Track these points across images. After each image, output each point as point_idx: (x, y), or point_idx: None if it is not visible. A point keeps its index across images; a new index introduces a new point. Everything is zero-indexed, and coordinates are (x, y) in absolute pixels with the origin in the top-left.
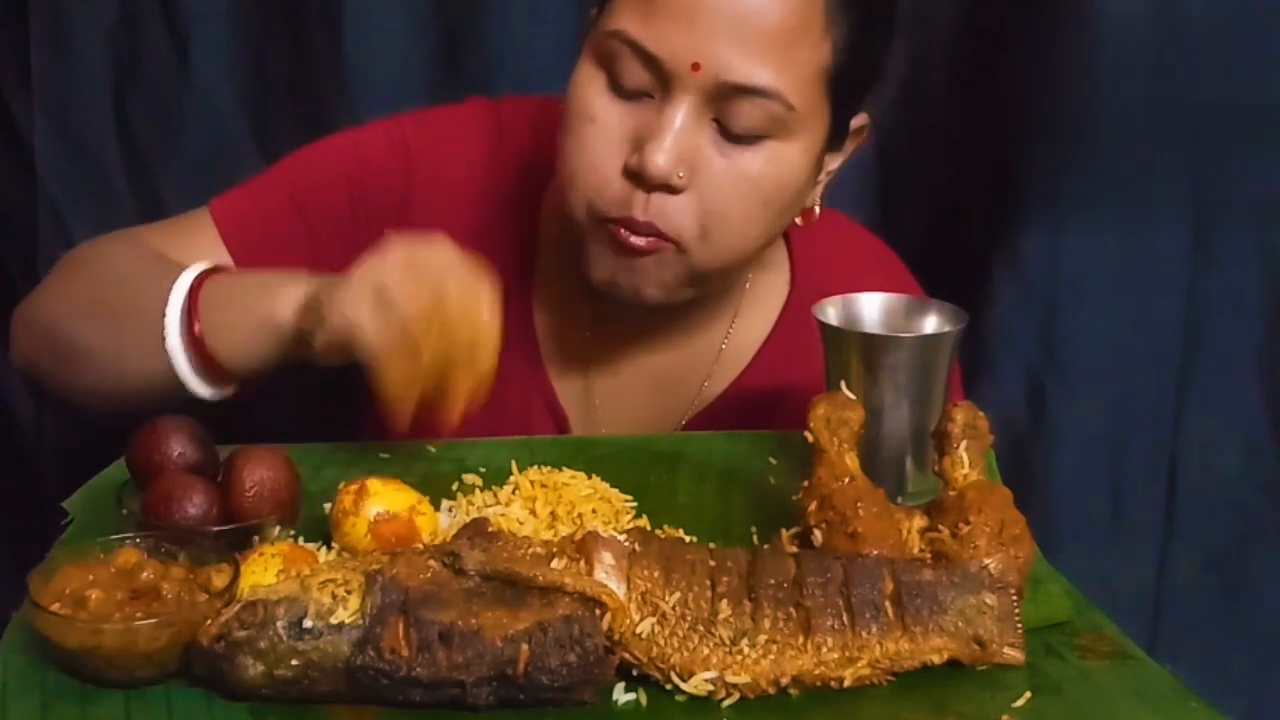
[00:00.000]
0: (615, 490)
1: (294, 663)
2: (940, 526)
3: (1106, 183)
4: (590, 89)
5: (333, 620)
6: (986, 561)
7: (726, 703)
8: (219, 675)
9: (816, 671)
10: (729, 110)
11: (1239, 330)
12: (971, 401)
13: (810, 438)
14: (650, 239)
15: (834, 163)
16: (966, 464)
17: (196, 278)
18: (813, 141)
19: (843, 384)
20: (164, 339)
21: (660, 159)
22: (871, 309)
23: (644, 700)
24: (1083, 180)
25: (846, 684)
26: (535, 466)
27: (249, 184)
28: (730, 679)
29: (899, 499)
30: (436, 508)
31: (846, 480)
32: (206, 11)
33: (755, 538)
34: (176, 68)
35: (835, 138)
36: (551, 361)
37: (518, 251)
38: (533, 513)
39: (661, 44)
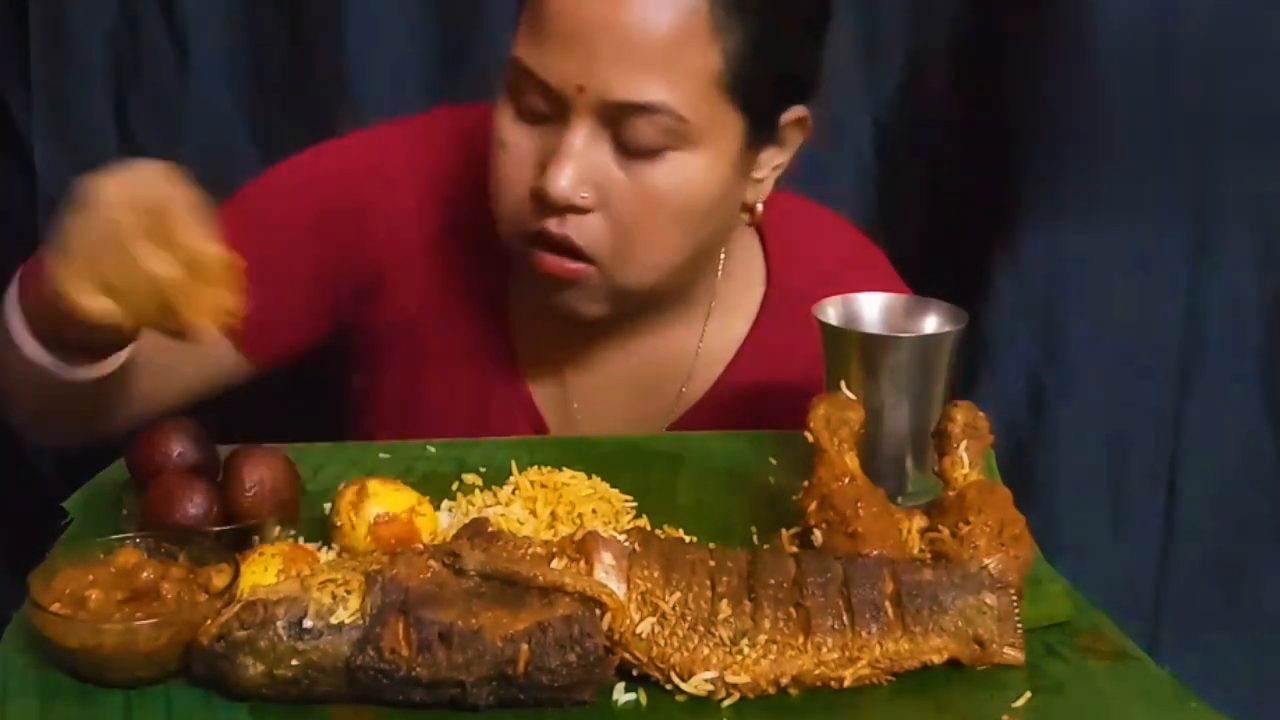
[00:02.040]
0: (615, 490)
1: (294, 663)
2: (940, 526)
3: (1106, 183)
4: (502, 117)
5: (333, 620)
6: (986, 561)
7: (726, 703)
8: (219, 675)
9: (816, 671)
10: (624, 128)
11: (1239, 330)
12: (971, 401)
13: (810, 438)
14: (570, 266)
15: (777, 158)
16: (966, 464)
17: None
18: (723, 147)
19: (843, 384)
20: (11, 332)
21: (560, 181)
22: (871, 309)
23: (644, 700)
24: (1083, 180)
25: (846, 684)
26: (535, 466)
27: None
28: (730, 679)
29: (899, 499)
30: (436, 508)
31: (846, 480)
32: (206, 11)
33: (755, 538)
34: (176, 68)
35: (757, 138)
36: (529, 372)
37: (493, 261)
38: (533, 513)
39: (549, 69)
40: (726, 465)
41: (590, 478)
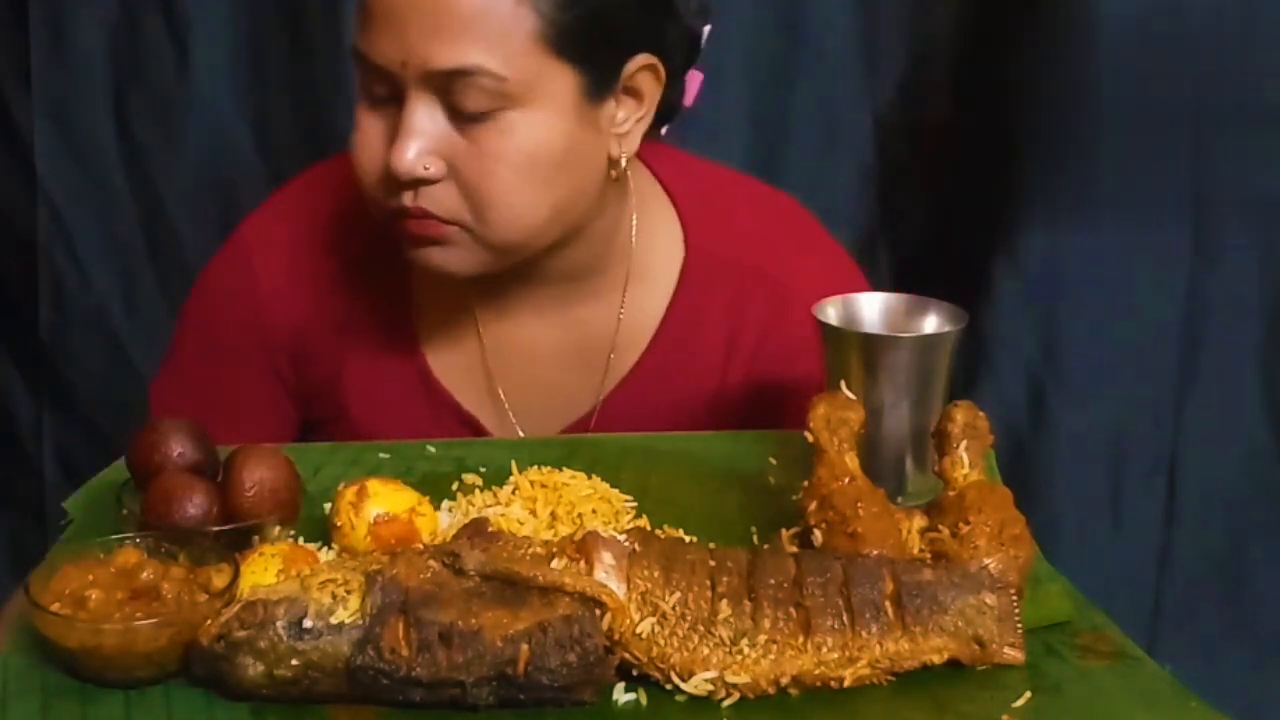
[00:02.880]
0: (615, 490)
1: (294, 663)
2: (940, 526)
3: (1106, 183)
4: (358, 107)
5: (333, 620)
6: (986, 561)
7: (726, 703)
8: (219, 675)
9: (816, 671)
10: (453, 95)
11: (1239, 330)
12: (971, 401)
13: (810, 437)
14: (432, 225)
15: (636, 111)
16: (966, 464)
17: None
18: (557, 102)
19: (843, 384)
20: None
21: (403, 156)
22: (871, 309)
23: (644, 700)
24: (1083, 180)
25: (846, 684)
26: (535, 466)
27: (167, 360)
28: (730, 679)
29: (899, 499)
30: (436, 508)
31: (846, 480)
32: (206, 11)
33: (755, 538)
34: (176, 68)
35: (599, 90)
36: (446, 376)
37: (394, 278)
38: (533, 513)
39: (376, 52)
40: (726, 465)
41: (590, 478)
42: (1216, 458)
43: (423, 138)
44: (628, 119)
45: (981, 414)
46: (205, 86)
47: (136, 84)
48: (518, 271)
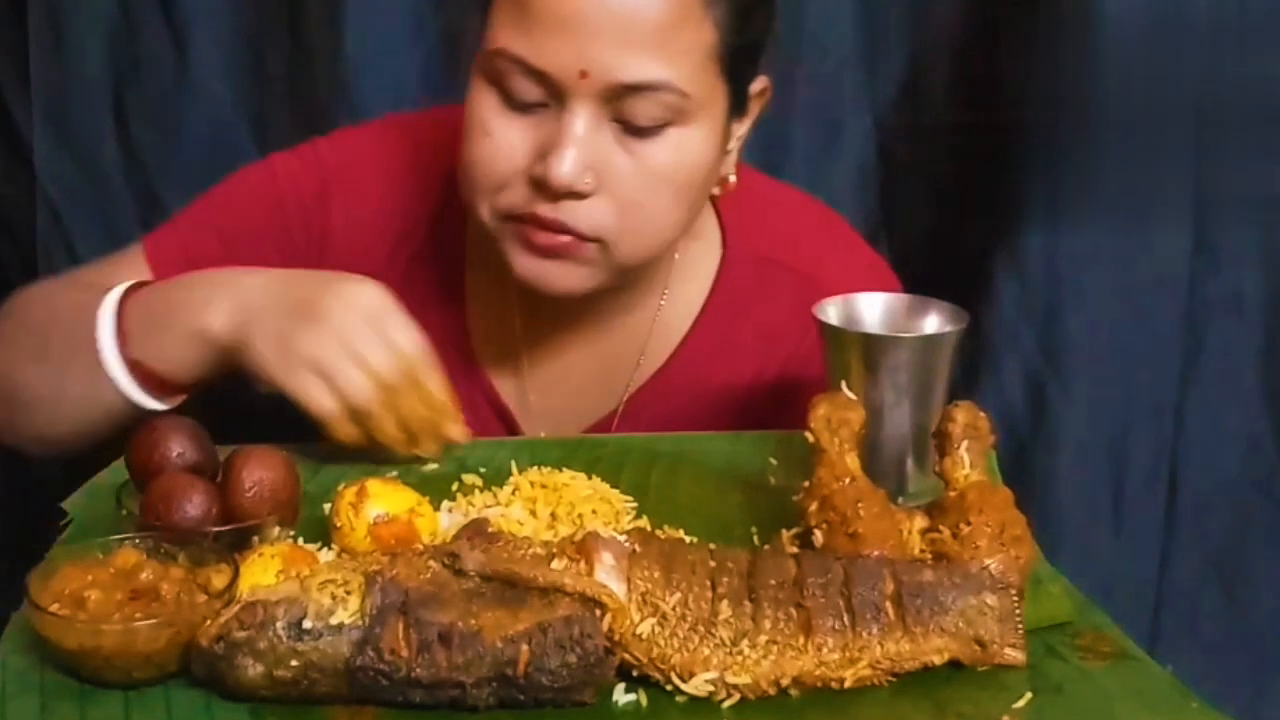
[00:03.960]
0: (615, 491)
1: (294, 663)
2: (941, 527)
3: (1107, 182)
4: (484, 107)
5: (332, 621)
6: (987, 562)
7: (727, 703)
8: (218, 676)
9: (817, 672)
10: (625, 108)
11: (1239, 330)
12: (972, 401)
13: (811, 438)
14: (566, 239)
15: (741, 129)
16: (967, 464)
17: (122, 295)
18: (714, 119)
19: (843, 384)
20: (100, 363)
21: (563, 168)
22: (872, 309)
23: (644, 701)
24: (1083, 180)
25: (847, 685)
26: (535, 467)
27: (177, 219)
28: (730, 679)
29: (900, 499)
30: (436, 508)
31: (847, 481)
32: (206, 11)
33: (755, 538)
34: (176, 68)
35: (736, 108)
36: (487, 362)
37: (448, 258)
38: (533, 513)
39: (545, 57)
40: (726, 465)
41: (590, 478)
42: (1217, 458)
43: (584, 149)
44: (735, 137)
45: (982, 414)
46: (205, 86)
47: (136, 84)
48: None
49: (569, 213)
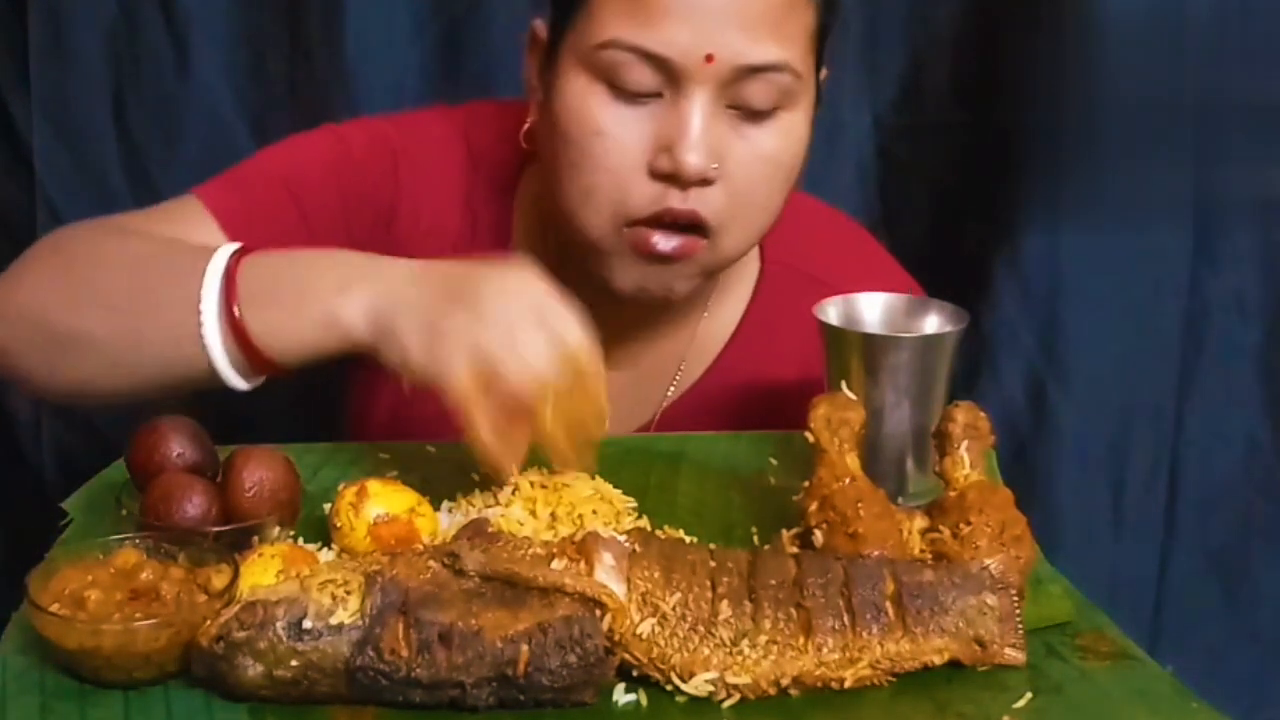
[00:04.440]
0: (616, 491)
1: (294, 663)
2: (941, 527)
3: (1107, 183)
4: (591, 103)
5: (332, 621)
6: (987, 562)
7: (727, 703)
8: (218, 676)
9: (817, 672)
10: (743, 92)
11: (1239, 330)
12: (972, 401)
13: (811, 438)
14: (681, 243)
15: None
16: (967, 464)
17: (231, 257)
18: (810, 104)
19: (843, 384)
20: (199, 324)
21: (693, 157)
22: (872, 309)
23: (644, 701)
24: (1083, 180)
25: (847, 685)
26: (535, 467)
27: (231, 174)
28: (730, 680)
29: (900, 499)
30: (436, 508)
31: (847, 481)
32: (206, 11)
33: (755, 538)
34: (176, 68)
35: (820, 95)
36: None
37: (495, 254)
38: (533, 513)
39: (666, 44)
40: (726, 465)
41: (591, 478)
42: (1217, 458)
43: (709, 134)
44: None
45: (982, 414)
46: (205, 86)
47: (136, 84)
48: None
49: (700, 201)
